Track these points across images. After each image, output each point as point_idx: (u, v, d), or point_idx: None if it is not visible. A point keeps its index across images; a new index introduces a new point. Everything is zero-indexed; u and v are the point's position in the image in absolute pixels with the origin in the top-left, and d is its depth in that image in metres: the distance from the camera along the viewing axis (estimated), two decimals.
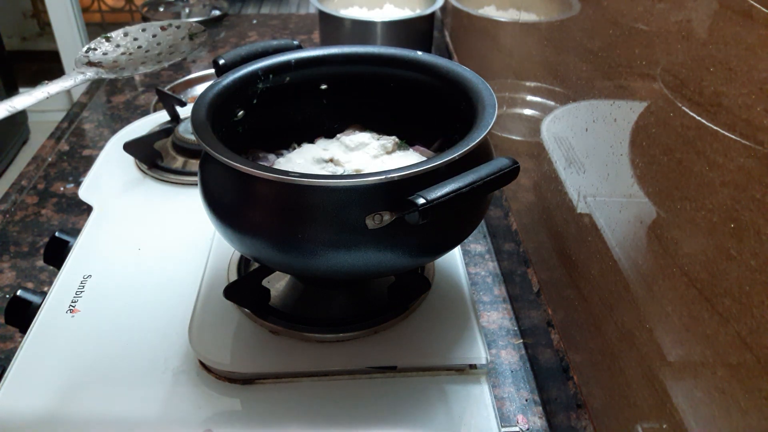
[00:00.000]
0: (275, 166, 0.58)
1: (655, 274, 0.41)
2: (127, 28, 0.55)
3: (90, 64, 0.51)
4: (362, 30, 1.14)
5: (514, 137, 0.77)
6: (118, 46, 0.53)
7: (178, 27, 0.54)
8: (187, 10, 1.55)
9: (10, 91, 2.46)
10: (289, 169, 0.47)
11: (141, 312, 0.60)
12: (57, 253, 0.69)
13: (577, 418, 0.52)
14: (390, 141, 0.60)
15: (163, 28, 0.54)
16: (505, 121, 0.78)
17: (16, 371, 0.54)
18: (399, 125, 0.63)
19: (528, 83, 0.71)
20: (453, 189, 0.43)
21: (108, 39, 0.53)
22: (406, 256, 0.49)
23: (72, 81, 0.48)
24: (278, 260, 0.50)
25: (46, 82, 0.47)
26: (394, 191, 0.44)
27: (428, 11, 1.17)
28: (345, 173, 0.57)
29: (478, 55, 0.99)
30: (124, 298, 0.61)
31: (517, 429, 0.57)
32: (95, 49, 0.52)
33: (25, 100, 0.45)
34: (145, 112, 1.09)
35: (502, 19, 0.84)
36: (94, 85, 1.21)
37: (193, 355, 0.55)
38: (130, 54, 0.52)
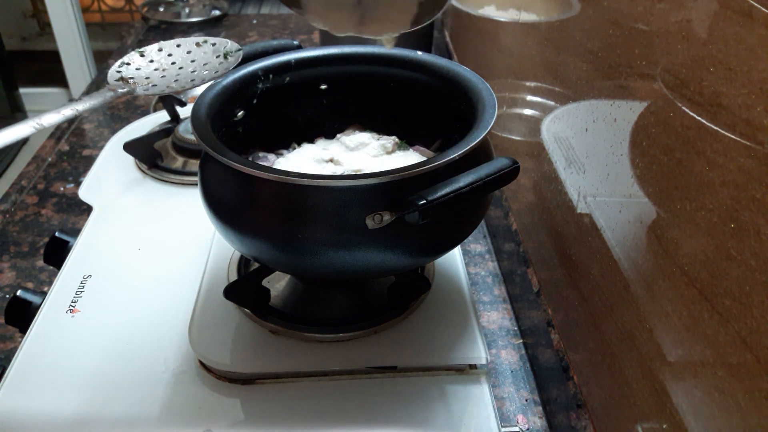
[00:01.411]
0: (275, 166, 0.58)
1: (655, 274, 0.41)
2: (162, 43, 0.54)
3: (122, 80, 0.50)
4: None
5: (514, 137, 0.77)
6: (151, 61, 0.52)
7: (213, 44, 0.54)
8: (187, 10, 1.55)
9: (10, 91, 2.46)
10: (289, 169, 0.47)
11: (141, 312, 0.60)
12: (57, 253, 0.69)
13: (577, 418, 0.52)
14: (390, 141, 0.60)
15: (198, 45, 0.53)
16: (505, 121, 0.78)
17: (16, 371, 0.54)
18: (399, 125, 0.63)
19: (528, 83, 0.71)
20: (453, 189, 0.43)
21: (142, 54, 0.52)
22: (406, 256, 0.49)
23: (102, 98, 0.48)
24: (278, 260, 0.50)
25: (75, 99, 0.47)
26: (394, 191, 0.44)
27: None
28: (345, 173, 0.57)
29: (478, 55, 0.99)
30: (124, 298, 0.61)
31: (517, 429, 0.57)
32: (128, 64, 0.52)
33: (52, 117, 0.45)
34: (145, 112, 1.09)
35: (502, 19, 0.84)
36: (94, 86, 1.21)
37: (193, 355, 0.55)
38: (164, 70, 0.51)
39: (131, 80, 0.50)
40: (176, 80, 0.51)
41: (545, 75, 0.64)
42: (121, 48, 1.39)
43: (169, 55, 0.53)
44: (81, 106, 0.46)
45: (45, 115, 0.44)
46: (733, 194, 0.33)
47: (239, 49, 0.54)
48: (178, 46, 0.54)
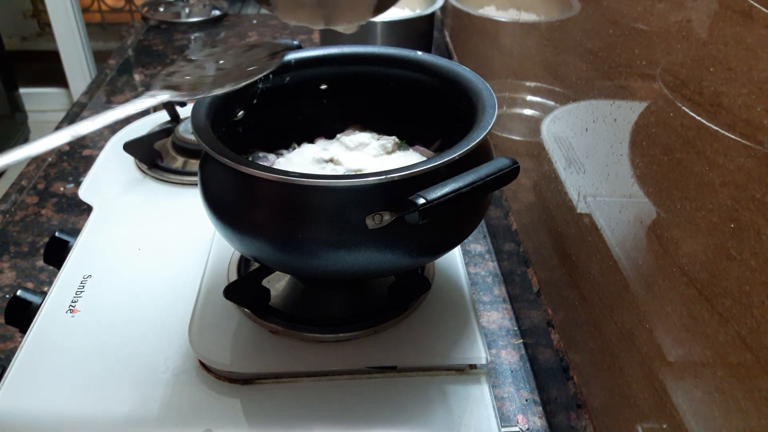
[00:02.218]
0: (275, 166, 0.58)
1: (655, 274, 0.41)
2: (212, 50, 0.53)
3: (167, 86, 0.49)
4: (362, 30, 1.14)
5: (514, 137, 0.77)
6: (199, 67, 0.51)
7: (261, 46, 0.53)
8: (187, 10, 1.55)
9: (10, 91, 2.46)
10: (289, 169, 0.47)
11: (141, 312, 0.60)
12: (57, 253, 0.69)
13: (577, 418, 0.52)
14: (390, 141, 0.60)
15: (247, 48, 0.52)
16: (505, 121, 0.78)
17: (16, 371, 0.54)
18: (399, 125, 0.63)
19: (528, 83, 0.71)
20: (453, 189, 0.43)
21: (191, 61, 0.52)
22: (406, 256, 0.49)
23: (141, 105, 0.46)
24: (278, 260, 0.50)
25: (112, 106, 0.46)
26: (394, 191, 0.44)
27: (428, 11, 1.17)
28: (345, 173, 0.57)
29: (478, 55, 0.99)
30: (124, 298, 0.61)
31: (517, 429, 0.57)
32: (177, 72, 0.51)
33: (88, 125, 0.44)
34: (145, 112, 1.09)
35: (502, 19, 0.84)
36: (94, 85, 1.21)
37: (193, 355, 0.55)
38: (210, 75, 0.51)
39: (177, 86, 0.49)
40: (221, 84, 0.50)
41: (545, 75, 0.64)
42: (121, 48, 1.39)
43: (219, 61, 0.53)
44: (119, 113, 0.45)
45: (80, 124, 0.43)
46: (733, 194, 0.33)
47: (285, 48, 0.53)
48: (229, 50, 0.53)
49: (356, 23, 0.52)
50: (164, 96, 0.48)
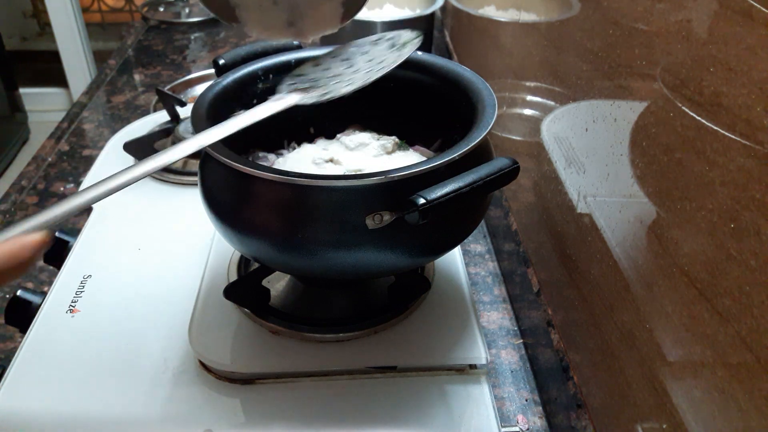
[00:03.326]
0: (275, 166, 0.58)
1: (655, 274, 0.41)
2: (336, 50, 0.52)
3: (296, 90, 0.49)
4: (362, 30, 1.14)
5: (514, 137, 0.77)
6: (327, 69, 0.51)
7: (390, 38, 0.51)
8: (187, 10, 1.55)
9: (10, 91, 2.46)
10: (289, 169, 0.47)
11: (141, 312, 0.60)
12: (57, 253, 0.69)
13: (577, 418, 0.52)
14: (390, 141, 0.60)
15: (374, 43, 0.51)
16: (505, 121, 0.78)
17: (16, 371, 0.54)
18: (399, 125, 0.63)
19: (528, 83, 0.71)
20: (453, 189, 0.43)
21: (317, 64, 0.51)
22: (406, 256, 0.49)
23: (268, 109, 0.46)
24: (278, 260, 0.50)
25: (240, 112, 0.46)
26: (394, 191, 0.44)
27: (428, 11, 1.17)
28: (345, 173, 0.57)
29: (478, 55, 0.99)
30: (124, 298, 0.61)
31: (517, 429, 0.57)
32: (302, 75, 0.50)
33: (217, 132, 0.44)
34: (145, 112, 1.09)
35: (502, 19, 0.84)
36: (94, 85, 1.21)
37: (193, 355, 0.55)
38: (339, 75, 0.50)
39: (306, 89, 0.49)
40: (349, 84, 0.49)
41: (545, 75, 0.64)
42: (121, 48, 1.39)
43: (346, 59, 0.52)
44: (247, 119, 0.44)
45: (212, 130, 0.43)
46: (733, 194, 0.33)
47: (418, 36, 0.52)
48: (356, 47, 0.53)
49: (325, 33, 0.53)
50: (293, 98, 0.47)
